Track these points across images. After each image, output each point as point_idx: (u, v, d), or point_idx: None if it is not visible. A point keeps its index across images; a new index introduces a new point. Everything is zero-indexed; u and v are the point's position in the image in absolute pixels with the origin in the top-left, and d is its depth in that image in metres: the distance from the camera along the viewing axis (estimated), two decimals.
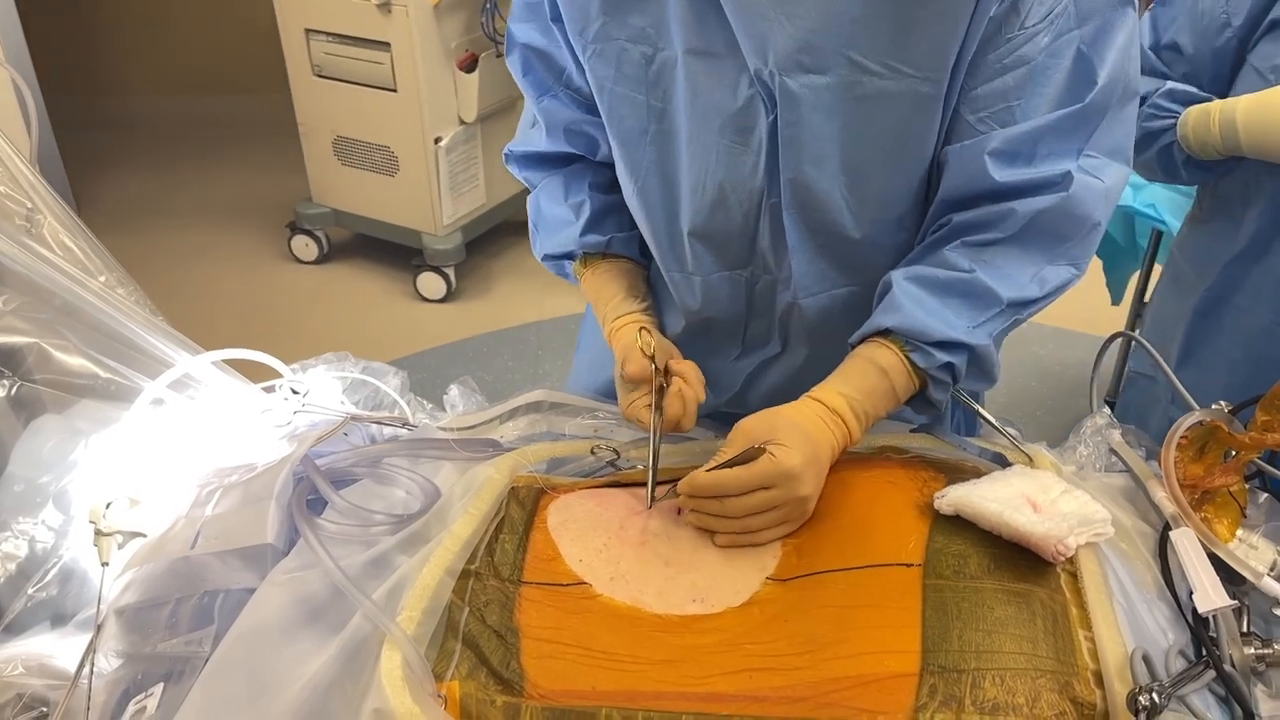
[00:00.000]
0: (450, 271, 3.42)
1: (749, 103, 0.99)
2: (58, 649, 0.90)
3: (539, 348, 3.22)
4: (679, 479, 0.99)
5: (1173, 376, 1.08)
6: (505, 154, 1.26)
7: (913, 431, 1.09)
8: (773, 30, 0.94)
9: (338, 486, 0.98)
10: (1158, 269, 2.44)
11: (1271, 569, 0.86)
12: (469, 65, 3.18)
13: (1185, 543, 0.87)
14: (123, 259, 1.19)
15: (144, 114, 4.67)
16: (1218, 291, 1.38)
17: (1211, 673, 0.77)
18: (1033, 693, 0.74)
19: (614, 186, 1.16)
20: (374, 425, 1.11)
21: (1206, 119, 1.27)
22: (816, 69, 0.95)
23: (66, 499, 1.02)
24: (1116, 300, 2.62)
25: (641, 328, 1.10)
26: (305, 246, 3.66)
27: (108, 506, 0.97)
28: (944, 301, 0.98)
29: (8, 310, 1.04)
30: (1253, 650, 0.79)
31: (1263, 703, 0.77)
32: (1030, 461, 1.00)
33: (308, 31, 3.24)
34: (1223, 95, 1.32)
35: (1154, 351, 1.13)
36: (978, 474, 0.97)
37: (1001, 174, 0.96)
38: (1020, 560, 0.86)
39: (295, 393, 1.13)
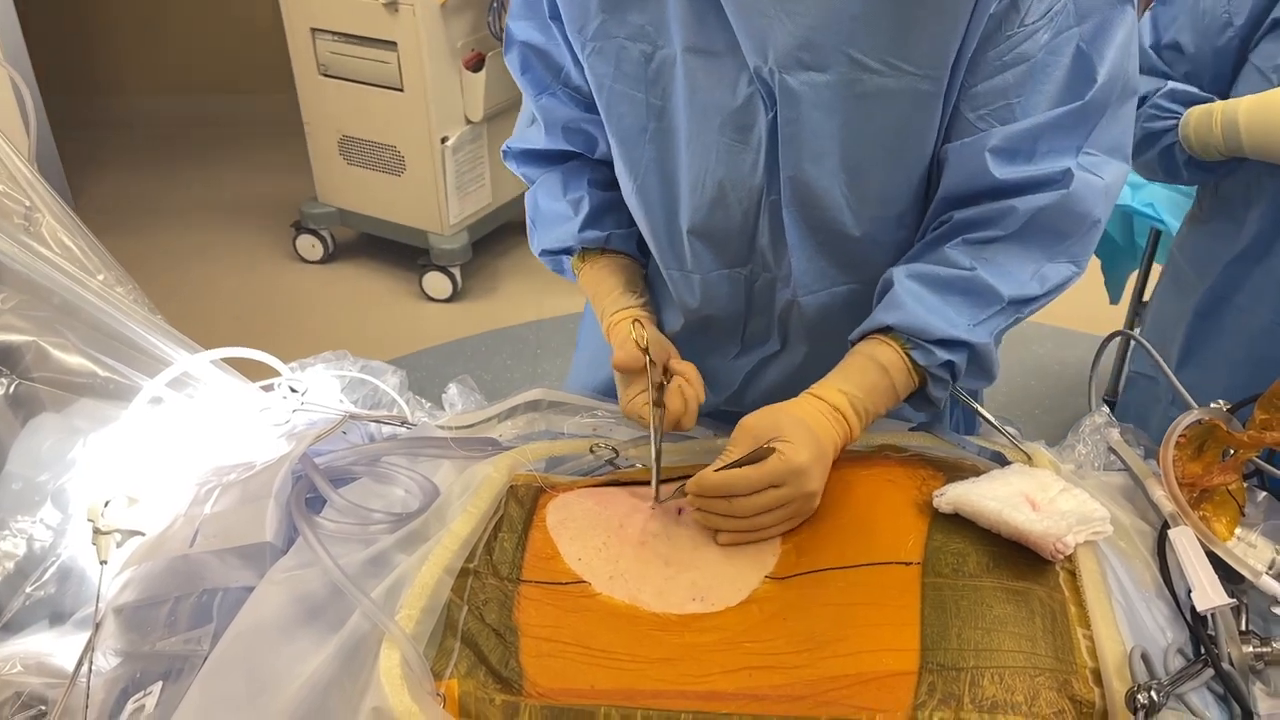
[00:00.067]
0: (456, 271, 3.42)
1: (748, 100, 0.99)
2: (56, 647, 0.90)
3: (538, 347, 3.22)
4: (680, 478, 1.00)
5: (1171, 376, 1.08)
6: (504, 151, 1.26)
7: (912, 430, 1.09)
8: (773, 28, 0.94)
9: (336, 485, 0.98)
10: (1156, 268, 2.44)
11: (1270, 567, 0.86)
12: (475, 65, 3.18)
13: (1184, 541, 0.87)
14: (126, 259, 1.19)
15: (146, 114, 4.66)
16: (1219, 291, 1.38)
17: (1210, 671, 0.77)
18: (1031, 691, 0.74)
19: (612, 184, 1.16)
20: (373, 424, 1.11)
21: (1208, 120, 1.27)
22: (816, 66, 0.95)
23: (65, 497, 1.02)
24: (1115, 299, 2.62)
25: (635, 320, 1.10)
26: (310, 246, 3.65)
27: (106, 505, 0.97)
28: (945, 299, 0.98)
29: (6, 308, 1.04)
30: (1251, 649, 0.79)
31: (1261, 701, 0.77)
32: (1029, 460, 1.00)
33: (314, 31, 3.23)
34: (1224, 95, 1.31)
35: (1153, 351, 1.13)
36: (977, 472, 0.97)
37: (1002, 171, 0.96)
38: (1019, 558, 0.86)
39: (294, 391, 1.13)
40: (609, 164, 1.15)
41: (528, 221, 1.25)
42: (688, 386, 1.06)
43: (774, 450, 0.90)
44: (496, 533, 0.94)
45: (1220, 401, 0.97)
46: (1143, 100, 1.34)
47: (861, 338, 1.02)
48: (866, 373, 0.98)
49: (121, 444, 1.03)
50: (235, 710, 0.79)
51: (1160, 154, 1.36)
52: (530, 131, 1.21)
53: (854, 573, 0.87)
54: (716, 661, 0.80)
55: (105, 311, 1.06)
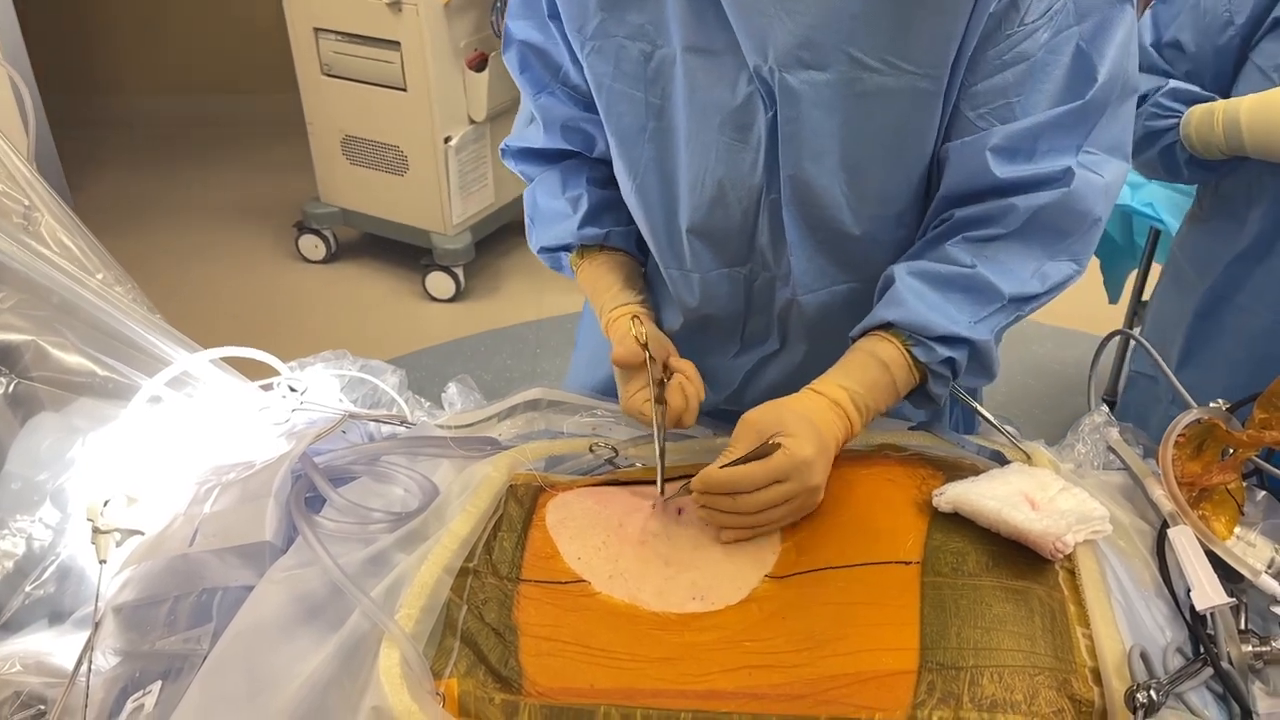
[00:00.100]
0: (459, 271, 3.41)
1: (748, 99, 0.99)
2: (55, 647, 0.90)
3: (537, 346, 3.22)
4: (681, 477, 1.00)
5: (1170, 375, 1.08)
6: (502, 149, 1.26)
7: (911, 429, 1.09)
8: (772, 26, 0.94)
9: (336, 484, 0.98)
10: (1155, 268, 2.44)
11: (1269, 566, 0.86)
12: (478, 64, 3.18)
13: (1183, 540, 0.87)
14: (126, 258, 1.19)
15: (146, 113, 4.65)
16: (1219, 291, 1.38)
17: (1209, 670, 0.77)
18: (1031, 690, 0.74)
19: (611, 182, 1.16)
20: (372, 423, 1.11)
21: (1210, 119, 1.27)
22: (816, 65, 0.95)
23: (64, 497, 1.01)
24: (1114, 299, 2.62)
25: (635, 316, 1.10)
26: (313, 246, 3.65)
27: (105, 504, 0.97)
28: (946, 296, 0.98)
29: (5, 308, 1.04)
30: (1250, 648, 0.79)
31: (1260, 700, 0.77)
32: (1028, 459, 1.01)
33: (316, 30, 3.23)
34: (1225, 94, 1.31)
35: (1151, 350, 1.13)
36: (976, 472, 0.97)
37: (1003, 170, 0.96)
38: (1018, 558, 0.86)
39: (293, 390, 1.13)
40: (607, 162, 1.15)
41: (526, 219, 1.25)
42: (688, 383, 1.06)
43: (779, 446, 0.90)
44: (496, 532, 0.94)
45: (1219, 401, 0.97)
46: (1143, 99, 1.34)
47: (862, 334, 1.02)
48: (867, 369, 0.98)
49: (121, 443, 1.03)
50: (235, 709, 0.79)
51: (1161, 152, 1.35)
52: (528, 130, 1.21)
53: (853, 572, 0.87)
54: (716, 660, 0.80)
55: (104, 311, 1.06)
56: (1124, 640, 0.78)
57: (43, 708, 0.85)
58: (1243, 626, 0.82)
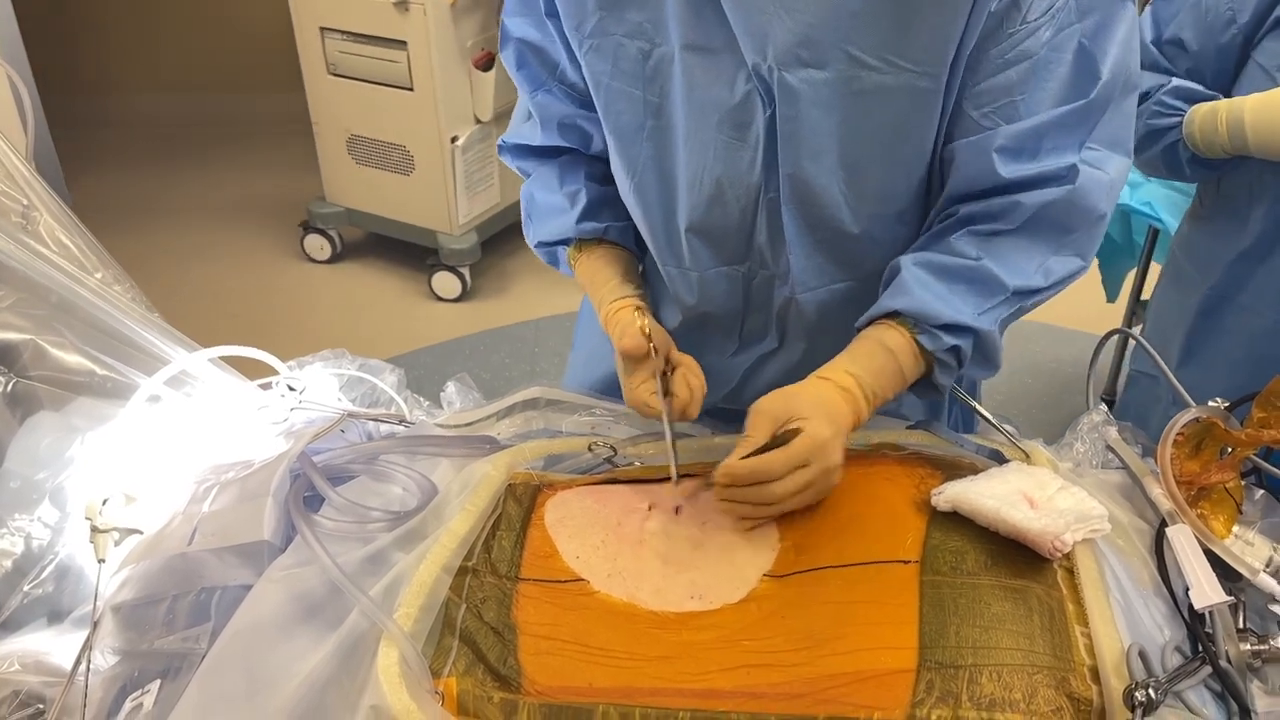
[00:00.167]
0: (465, 271, 3.41)
1: (746, 98, 0.99)
2: (54, 646, 0.90)
3: (536, 345, 3.22)
4: (681, 475, 1.00)
5: (1169, 373, 1.08)
6: (499, 145, 1.26)
7: (910, 428, 1.09)
8: (771, 25, 0.94)
9: (335, 483, 0.98)
10: (1154, 267, 2.44)
11: (1267, 565, 0.86)
12: (485, 64, 3.18)
13: (1181, 539, 0.87)
14: (132, 258, 1.20)
15: (147, 113, 4.64)
16: (1221, 290, 1.38)
17: (1208, 669, 0.77)
18: (1029, 688, 0.74)
19: (608, 178, 1.16)
20: (371, 422, 1.11)
21: (1213, 118, 1.27)
22: (815, 64, 0.95)
23: (63, 496, 1.01)
24: (1112, 298, 2.62)
25: (637, 308, 1.10)
26: (319, 246, 3.64)
27: (104, 503, 0.97)
28: (951, 287, 0.99)
29: (4, 306, 1.04)
30: (1249, 646, 0.79)
31: (1259, 699, 0.77)
32: (1027, 458, 1.01)
33: (323, 30, 3.22)
34: (1226, 91, 1.31)
35: (1150, 349, 1.13)
36: (975, 471, 0.97)
37: (1008, 170, 0.97)
38: (1017, 556, 0.86)
39: (292, 390, 1.13)
40: (605, 159, 1.15)
41: (523, 215, 1.25)
42: (692, 376, 1.06)
43: (798, 431, 0.91)
44: (495, 531, 0.94)
45: (1218, 399, 0.97)
46: (1145, 97, 1.34)
47: (868, 323, 1.02)
48: (874, 356, 0.99)
49: (119, 442, 1.03)
50: (233, 708, 0.79)
51: (1164, 151, 1.35)
52: (525, 127, 1.21)
53: (852, 571, 0.87)
54: (715, 659, 0.80)
55: (103, 310, 1.06)
56: (1122, 639, 0.79)
57: (41, 707, 0.85)
58: (1241, 625, 0.82)
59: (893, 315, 1.00)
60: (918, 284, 0.99)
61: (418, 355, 3.12)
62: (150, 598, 0.90)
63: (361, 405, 1.20)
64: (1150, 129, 1.34)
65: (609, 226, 1.17)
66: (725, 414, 1.15)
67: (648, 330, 1.05)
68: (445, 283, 3.44)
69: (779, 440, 0.91)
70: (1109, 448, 1.05)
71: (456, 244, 3.37)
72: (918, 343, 0.99)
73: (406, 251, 3.56)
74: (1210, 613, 0.80)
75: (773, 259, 1.09)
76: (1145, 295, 2.54)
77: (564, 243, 1.20)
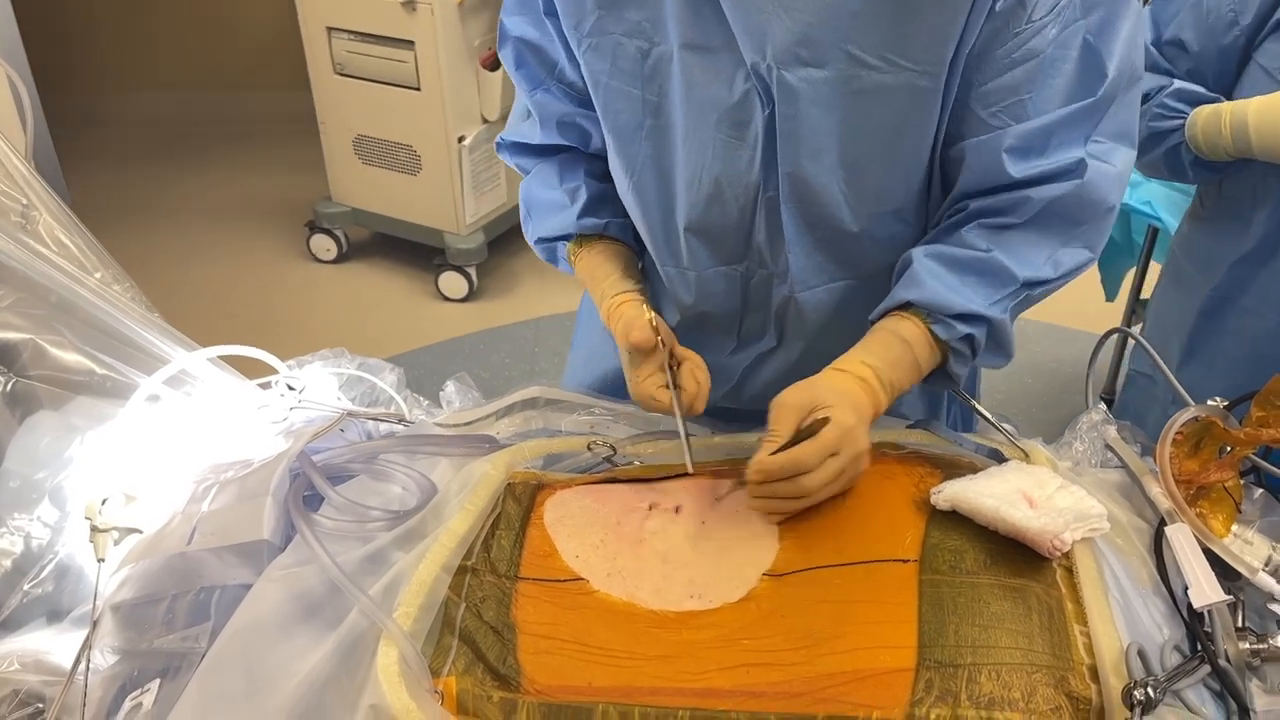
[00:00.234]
0: (472, 271, 3.41)
1: (745, 97, 0.99)
2: (54, 645, 0.90)
3: (535, 344, 3.22)
4: (679, 475, 1.00)
5: (1168, 373, 1.08)
6: (497, 142, 1.26)
7: (909, 427, 1.09)
8: (770, 24, 0.94)
9: (334, 483, 0.98)
10: (1154, 266, 2.44)
11: (1266, 564, 0.87)
12: (492, 64, 3.17)
13: (1180, 538, 0.87)
14: (135, 258, 1.20)
15: (153, 112, 4.63)
16: (1223, 291, 1.37)
17: (1206, 668, 0.77)
18: (1028, 687, 0.74)
19: (608, 176, 1.16)
20: (370, 421, 1.11)
21: (1217, 121, 1.26)
22: (815, 63, 0.95)
23: (62, 495, 1.01)
24: (1111, 297, 2.62)
25: (642, 302, 1.10)
26: (324, 246, 3.64)
27: (103, 502, 0.97)
28: (962, 279, 1.00)
29: (3, 306, 1.04)
30: (1248, 645, 0.79)
31: (1258, 698, 0.77)
32: (1026, 457, 1.01)
33: (330, 30, 3.22)
34: (1228, 93, 1.31)
35: (1149, 348, 1.13)
36: (974, 470, 0.97)
37: (1017, 169, 0.97)
38: (1016, 555, 0.86)
39: (291, 389, 1.13)
40: (604, 157, 1.15)
41: (522, 212, 1.25)
42: (699, 371, 1.06)
43: (826, 420, 0.91)
44: (494, 530, 0.94)
45: (1217, 398, 0.97)
46: (1145, 99, 1.33)
47: (881, 316, 1.03)
48: (890, 347, 1.00)
49: (119, 442, 1.03)
50: (233, 707, 0.79)
51: (1166, 154, 1.35)
52: (524, 126, 1.21)
53: (851, 570, 0.87)
54: (714, 659, 0.80)
55: (102, 309, 1.06)
56: (1121, 638, 0.79)
57: (41, 706, 0.85)
58: (1240, 624, 0.82)
59: (905, 307, 1.01)
60: (930, 275, 1.00)
61: (417, 355, 3.12)
62: (150, 597, 0.90)
63: (361, 404, 1.20)
64: (1152, 131, 1.33)
65: (609, 222, 1.17)
66: (725, 413, 1.15)
67: (655, 323, 1.06)
68: (452, 283, 3.43)
69: (805, 433, 0.92)
70: (1108, 447, 1.05)
71: (463, 244, 3.37)
72: (932, 333, 1.00)
73: (413, 251, 3.56)
74: (1209, 611, 0.80)
75: (771, 258, 1.09)
76: (1145, 294, 2.54)
77: (564, 238, 1.20)
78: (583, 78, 1.08)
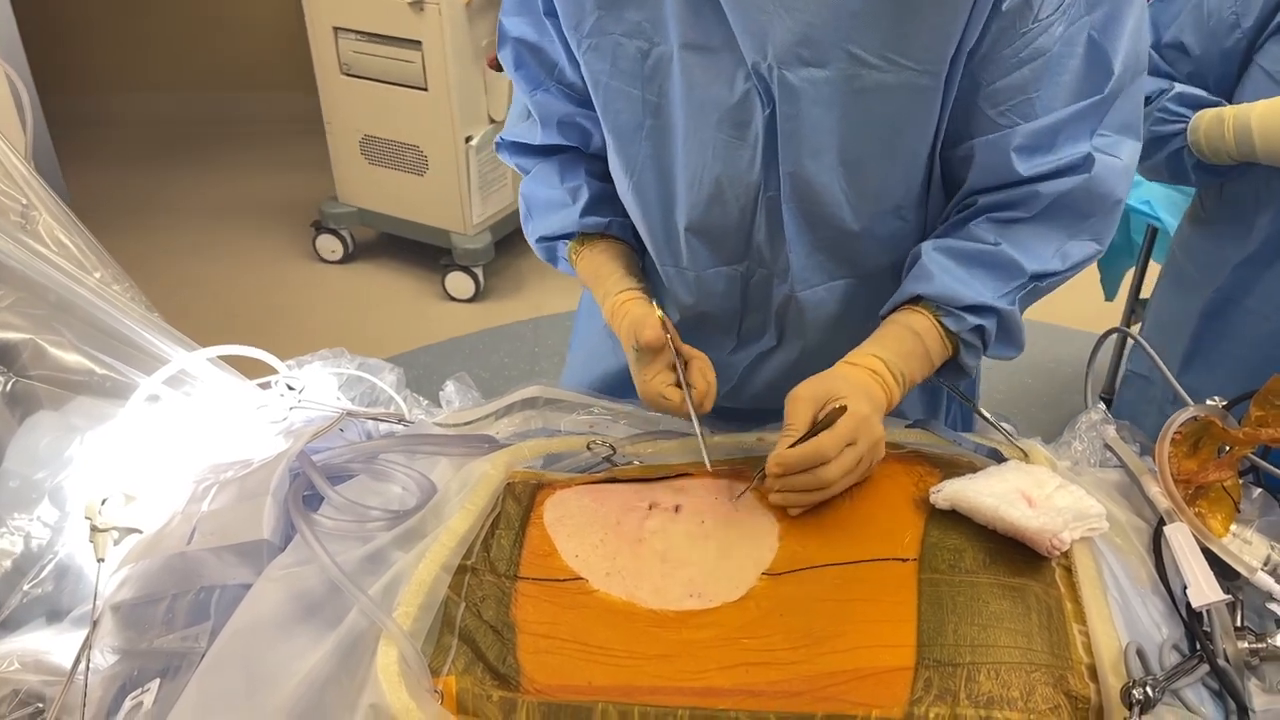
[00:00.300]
0: (479, 271, 3.41)
1: (745, 97, 0.99)
2: (54, 645, 0.90)
3: (535, 344, 3.22)
4: (679, 475, 1.00)
5: (1167, 373, 1.08)
6: (497, 143, 1.26)
7: (909, 427, 1.09)
8: (771, 23, 0.94)
9: (334, 482, 0.98)
10: (1153, 266, 2.44)
11: (1265, 563, 0.87)
12: (498, 64, 3.17)
13: (1179, 538, 0.87)
14: (138, 258, 1.20)
15: (156, 112, 4.62)
16: (1226, 293, 1.37)
17: (1205, 667, 0.77)
18: (1027, 686, 0.74)
19: (608, 175, 1.16)
20: (370, 421, 1.11)
21: (1220, 125, 1.26)
22: (816, 62, 0.95)
23: (62, 495, 1.01)
24: (1110, 297, 2.62)
25: (649, 300, 1.10)
26: (330, 247, 3.63)
27: (103, 502, 0.97)
28: (971, 272, 1.01)
29: (3, 306, 1.04)
30: (1246, 645, 0.79)
31: (1256, 697, 0.77)
32: (1025, 457, 1.01)
33: (336, 30, 3.22)
34: (1228, 96, 1.30)
35: (1148, 348, 1.13)
36: (973, 469, 0.97)
37: (1026, 167, 0.98)
38: (1015, 555, 0.86)
39: (291, 389, 1.13)
40: (604, 157, 1.15)
41: (522, 211, 1.25)
42: (707, 370, 1.06)
43: (842, 410, 0.92)
44: (494, 530, 0.94)
45: (1216, 398, 0.97)
46: (1147, 101, 1.33)
47: (892, 310, 1.04)
48: (902, 340, 1.01)
49: (119, 441, 1.03)
50: (233, 707, 0.79)
51: (1169, 158, 1.34)
52: (524, 126, 1.21)
53: (851, 569, 0.87)
54: (713, 658, 0.81)
55: (102, 309, 1.06)
56: (1120, 637, 0.79)
57: (41, 705, 0.85)
58: (1239, 623, 0.82)
59: (916, 300, 1.02)
60: (939, 269, 1.01)
61: (416, 354, 3.12)
62: (149, 597, 0.90)
63: (361, 404, 1.20)
64: (1154, 135, 1.33)
65: (611, 221, 1.17)
66: (724, 412, 1.15)
67: (664, 321, 1.06)
68: (459, 283, 3.43)
69: (821, 424, 0.92)
70: (1107, 446, 1.05)
71: (470, 244, 3.37)
72: (942, 325, 1.01)
73: (419, 252, 3.56)
74: (1208, 611, 0.81)
75: (771, 257, 1.09)
76: (1144, 294, 2.54)
77: (566, 237, 1.20)
78: (583, 78, 1.08)
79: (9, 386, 1.06)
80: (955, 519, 0.90)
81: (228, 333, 1.21)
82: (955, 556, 0.86)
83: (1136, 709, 0.72)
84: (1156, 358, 1.11)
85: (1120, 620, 0.81)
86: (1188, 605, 0.82)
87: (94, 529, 0.95)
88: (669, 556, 0.91)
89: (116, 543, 0.96)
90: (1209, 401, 0.97)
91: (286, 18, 3.96)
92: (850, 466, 0.92)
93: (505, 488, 0.99)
